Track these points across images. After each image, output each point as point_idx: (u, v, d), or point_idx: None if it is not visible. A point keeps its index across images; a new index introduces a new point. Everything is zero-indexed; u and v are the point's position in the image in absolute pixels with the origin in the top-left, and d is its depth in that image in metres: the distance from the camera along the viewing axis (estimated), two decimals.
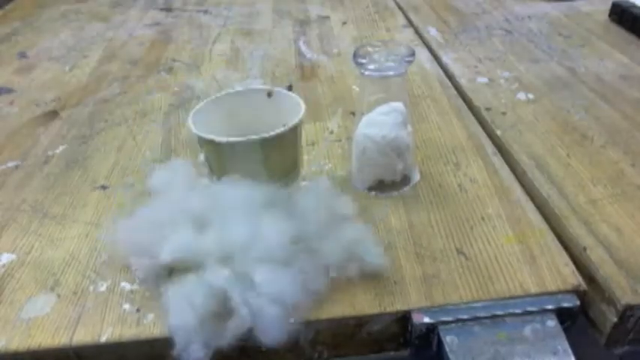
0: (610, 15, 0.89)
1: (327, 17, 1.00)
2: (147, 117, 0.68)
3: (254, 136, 0.42)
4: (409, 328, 0.40)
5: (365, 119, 0.48)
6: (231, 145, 0.43)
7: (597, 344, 0.42)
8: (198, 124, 0.45)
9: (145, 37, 0.95)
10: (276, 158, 0.45)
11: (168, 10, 1.10)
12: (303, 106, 0.47)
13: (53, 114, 0.70)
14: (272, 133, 0.43)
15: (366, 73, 0.46)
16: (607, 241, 0.44)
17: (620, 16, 0.86)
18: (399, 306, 0.40)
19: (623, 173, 0.52)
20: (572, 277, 0.41)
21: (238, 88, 0.50)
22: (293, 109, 0.47)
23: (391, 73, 0.46)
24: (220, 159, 0.45)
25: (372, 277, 0.42)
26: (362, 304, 0.40)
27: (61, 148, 0.62)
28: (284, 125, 0.44)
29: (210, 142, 0.43)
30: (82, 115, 0.69)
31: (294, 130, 0.45)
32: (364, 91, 0.48)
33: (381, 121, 0.47)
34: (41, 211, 0.52)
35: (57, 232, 0.49)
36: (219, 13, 1.06)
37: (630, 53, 0.77)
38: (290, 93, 0.49)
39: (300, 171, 0.50)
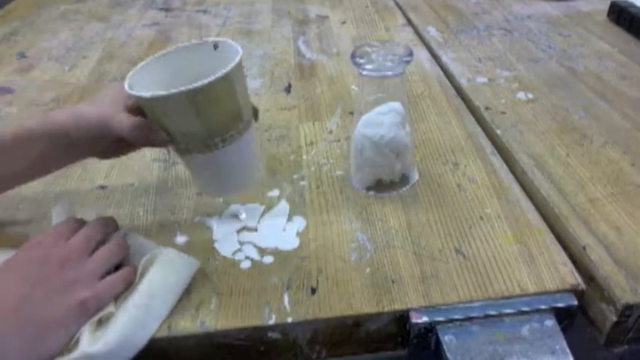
0: (608, 14, 0.89)
1: (327, 17, 1.00)
2: None
3: (181, 88, 0.38)
4: (407, 327, 0.40)
5: (363, 119, 0.48)
6: (161, 101, 0.39)
7: (596, 343, 0.42)
8: (137, 85, 0.41)
9: (144, 37, 0.95)
10: (212, 111, 0.40)
11: (167, 10, 1.10)
12: (240, 51, 0.42)
13: None
14: (199, 83, 0.38)
15: (364, 73, 0.46)
16: (606, 240, 0.44)
17: (618, 15, 0.85)
18: (397, 305, 0.40)
19: (622, 172, 0.52)
20: (571, 277, 0.41)
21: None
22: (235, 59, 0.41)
23: (389, 73, 0.46)
24: (157, 118, 0.41)
25: (369, 276, 0.42)
26: (360, 303, 0.40)
27: None
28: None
29: (141, 100, 0.40)
30: None
31: (227, 79, 0.40)
32: (362, 91, 0.48)
33: (379, 121, 0.47)
34: (40, 211, 0.52)
35: None
36: (218, 13, 1.06)
37: (629, 53, 0.77)
38: (234, 44, 0.44)
39: (249, 121, 0.45)
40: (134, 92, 0.40)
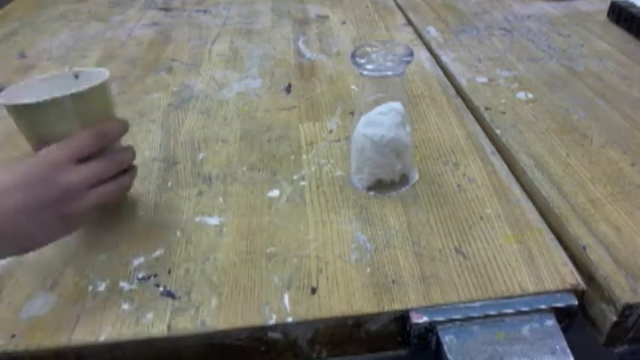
0: (608, 14, 0.89)
1: (327, 17, 1.00)
2: (146, 117, 0.68)
3: (66, 93, 0.42)
4: (408, 327, 0.40)
5: (364, 119, 0.48)
6: (46, 106, 0.42)
7: (596, 343, 0.42)
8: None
9: (144, 37, 0.95)
10: (89, 116, 0.45)
11: (167, 9, 1.10)
12: (107, 72, 0.47)
13: None
14: (83, 88, 0.43)
15: (365, 73, 0.46)
16: (606, 240, 0.44)
17: (618, 15, 0.86)
18: (398, 305, 0.40)
19: (622, 173, 0.52)
20: (571, 277, 0.41)
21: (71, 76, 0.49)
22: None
23: (389, 73, 0.46)
24: (35, 125, 0.44)
25: (370, 276, 0.42)
26: (360, 303, 0.40)
27: None
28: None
29: (23, 108, 0.42)
30: None
31: (104, 87, 0.46)
32: (363, 91, 0.48)
33: (379, 121, 0.47)
34: None
35: None
36: (218, 13, 1.06)
37: (629, 53, 0.77)
38: (95, 69, 0.49)
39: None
40: (15, 102, 0.42)
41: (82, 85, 0.45)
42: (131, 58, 0.86)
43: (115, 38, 0.96)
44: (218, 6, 1.11)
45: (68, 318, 0.41)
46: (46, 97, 0.42)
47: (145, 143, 0.62)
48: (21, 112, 0.43)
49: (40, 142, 0.43)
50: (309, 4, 1.08)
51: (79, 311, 0.41)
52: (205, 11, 1.08)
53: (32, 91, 0.46)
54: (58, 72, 0.49)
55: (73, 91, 0.43)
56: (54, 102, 0.42)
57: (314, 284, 0.42)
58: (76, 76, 0.49)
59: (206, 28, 0.98)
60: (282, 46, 0.88)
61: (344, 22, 0.97)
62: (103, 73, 0.47)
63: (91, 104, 0.45)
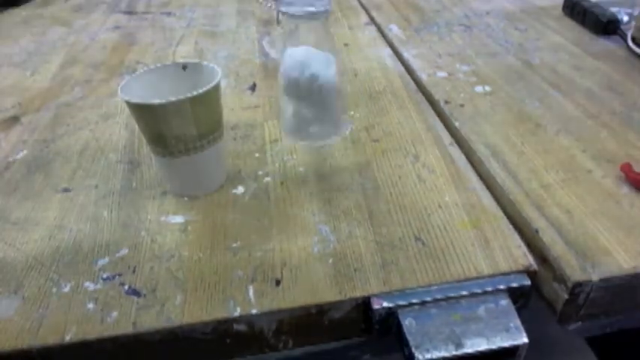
0: (563, 9, 0.92)
1: None
2: (110, 120, 0.68)
3: (186, 95, 0.45)
4: (369, 313, 0.41)
5: (287, 58, 0.51)
6: (166, 107, 0.45)
7: (552, 321, 0.44)
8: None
9: (108, 41, 0.95)
10: (206, 115, 0.48)
11: (131, 13, 1.10)
12: (219, 70, 0.50)
13: (14, 120, 0.70)
14: (201, 91, 0.46)
15: (285, 10, 0.49)
16: (558, 223, 0.46)
17: (572, 9, 0.89)
18: (359, 293, 0.41)
19: (574, 159, 0.54)
20: (524, 258, 0.43)
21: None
22: (209, 76, 0.49)
23: (312, 9, 0.49)
24: (154, 124, 0.47)
25: (332, 266, 0.43)
26: (323, 292, 0.41)
27: (22, 153, 0.62)
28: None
29: (145, 107, 0.46)
30: (43, 120, 0.69)
31: (218, 87, 0.49)
32: (289, 36, 0.51)
33: (303, 59, 0.50)
34: (2, 216, 0.52)
35: (19, 236, 0.49)
36: (183, 15, 1.06)
37: (582, 45, 0.80)
38: (205, 63, 0.52)
39: (223, 129, 0.52)
40: (138, 100, 0.46)
41: (190, 78, 0.50)
42: (95, 62, 0.86)
43: (78, 42, 0.95)
44: (183, 8, 1.11)
45: (32, 320, 0.41)
46: (161, 93, 0.47)
47: (109, 145, 0.62)
48: (142, 110, 0.47)
49: (154, 136, 0.48)
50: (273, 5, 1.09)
51: (44, 312, 0.41)
52: (170, 14, 1.08)
53: (144, 82, 0.50)
54: (169, 63, 0.52)
55: (191, 92, 0.46)
56: (174, 103, 0.45)
57: (278, 276, 0.43)
58: (184, 68, 0.52)
59: (170, 30, 0.98)
60: (247, 46, 0.88)
61: None
62: (215, 70, 0.50)
63: (208, 105, 0.48)
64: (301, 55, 0.51)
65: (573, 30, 0.86)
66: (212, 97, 0.48)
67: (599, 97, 0.66)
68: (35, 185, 0.56)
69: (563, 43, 0.81)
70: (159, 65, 0.52)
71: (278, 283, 0.42)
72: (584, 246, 0.44)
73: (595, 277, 0.41)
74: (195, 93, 0.46)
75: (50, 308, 0.42)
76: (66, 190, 0.55)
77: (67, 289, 0.43)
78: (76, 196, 0.54)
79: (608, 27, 0.82)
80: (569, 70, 0.73)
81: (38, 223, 0.50)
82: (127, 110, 0.70)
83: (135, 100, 0.46)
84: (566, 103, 0.65)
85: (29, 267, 0.46)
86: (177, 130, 0.47)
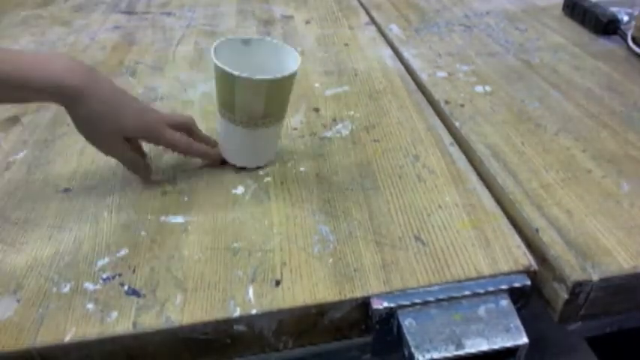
0: (563, 9, 0.92)
1: (291, 17, 1.01)
2: None
3: (265, 77, 0.47)
4: (369, 313, 0.41)
5: None
6: (246, 81, 0.47)
7: (553, 321, 0.44)
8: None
9: (108, 41, 0.95)
10: (276, 98, 0.51)
11: (130, 13, 1.10)
12: (298, 55, 0.52)
13: (14, 119, 0.69)
14: (279, 76, 0.48)
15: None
16: (558, 222, 0.46)
17: (572, 9, 0.89)
18: (359, 293, 0.41)
19: (574, 159, 0.54)
20: (524, 259, 0.43)
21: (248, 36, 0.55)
22: (273, 54, 0.54)
23: None
24: (229, 92, 0.49)
25: (332, 266, 0.43)
26: (323, 292, 0.41)
27: (22, 153, 0.62)
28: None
29: (228, 75, 0.48)
30: (43, 120, 0.69)
31: (294, 76, 0.51)
32: None
33: None
34: (2, 216, 0.52)
35: (19, 237, 0.49)
36: (182, 15, 1.06)
37: (582, 45, 0.80)
38: (267, 38, 0.55)
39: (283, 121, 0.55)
40: (229, 70, 0.47)
41: (252, 52, 0.53)
42: (94, 62, 0.86)
43: (77, 42, 0.95)
44: (183, 8, 1.10)
45: (32, 320, 0.41)
46: (235, 64, 0.48)
47: None
48: (226, 78, 0.48)
49: (225, 103, 0.51)
50: (274, 5, 1.09)
51: (44, 313, 0.41)
52: (170, 14, 1.08)
53: (228, 50, 0.52)
54: (258, 37, 0.56)
55: (271, 75, 0.48)
56: (254, 81, 0.47)
57: (278, 277, 0.43)
58: (246, 43, 0.54)
59: (170, 30, 0.98)
60: None
61: (308, 22, 0.98)
62: (293, 54, 0.53)
63: (281, 88, 0.51)
64: None
65: (573, 30, 0.86)
66: (288, 82, 0.51)
67: (599, 97, 0.66)
68: (35, 186, 0.56)
69: (563, 43, 0.81)
70: (233, 37, 0.53)
71: (278, 283, 0.42)
72: (584, 246, 0.44)
73: (595, 277, 0.41)
74: (273, 77, 0.48)
75: (50, 308, 0.42)
76: (66, 190, 0.55)
77: (66, 290, 0.43)
78: (76, 196, 0.54)
79: (608, 27, 0.82)
80: (569, 70, 0.73)
81: (38, 223, 0.50)
82: None
83: (221, 66, 0.48)
84: (566, 103, 0.65)
85: (29, 267, 0.46)
86: (246, 105, 0.49)
